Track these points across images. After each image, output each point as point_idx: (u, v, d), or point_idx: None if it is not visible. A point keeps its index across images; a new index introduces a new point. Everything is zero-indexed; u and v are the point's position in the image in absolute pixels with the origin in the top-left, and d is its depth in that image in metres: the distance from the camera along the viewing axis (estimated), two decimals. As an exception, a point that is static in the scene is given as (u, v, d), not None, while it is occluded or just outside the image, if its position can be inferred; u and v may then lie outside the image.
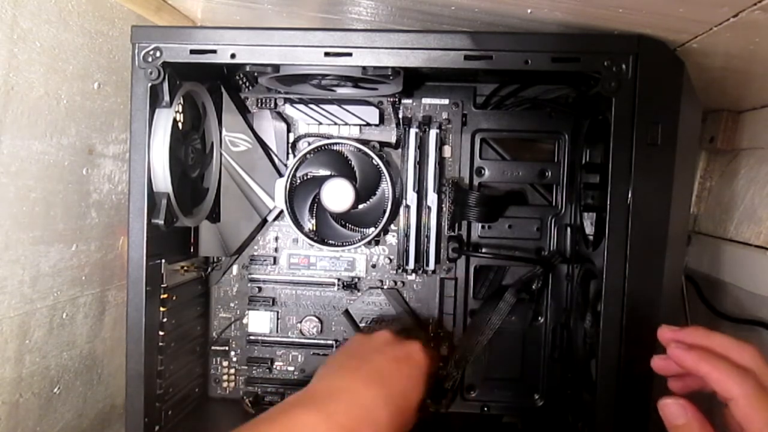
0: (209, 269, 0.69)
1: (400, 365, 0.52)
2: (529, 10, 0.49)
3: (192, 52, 0.52)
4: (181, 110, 0.59)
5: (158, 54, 0.52)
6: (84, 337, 0.59)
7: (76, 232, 0.56)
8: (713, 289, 0.70)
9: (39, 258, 0.51)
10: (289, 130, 0.66)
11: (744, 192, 0.68)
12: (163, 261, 0.57)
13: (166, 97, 0.53)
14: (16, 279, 0.49)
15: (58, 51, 0.49)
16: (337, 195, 0.62)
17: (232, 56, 0.52)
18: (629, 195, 0.49)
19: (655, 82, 0.50)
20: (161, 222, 0.53)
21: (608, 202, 0.50)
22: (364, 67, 0.53)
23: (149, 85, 0.52)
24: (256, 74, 0.60)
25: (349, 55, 0.51)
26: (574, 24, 0.51)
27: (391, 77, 0.54)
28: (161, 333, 0.57)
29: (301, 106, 0.65)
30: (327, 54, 0.51)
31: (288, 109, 0.66)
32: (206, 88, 0.61)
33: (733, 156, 0.72)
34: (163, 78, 0.52)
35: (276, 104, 0.66)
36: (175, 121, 0.55)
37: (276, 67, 0.54)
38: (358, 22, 0.60)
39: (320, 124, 0.66)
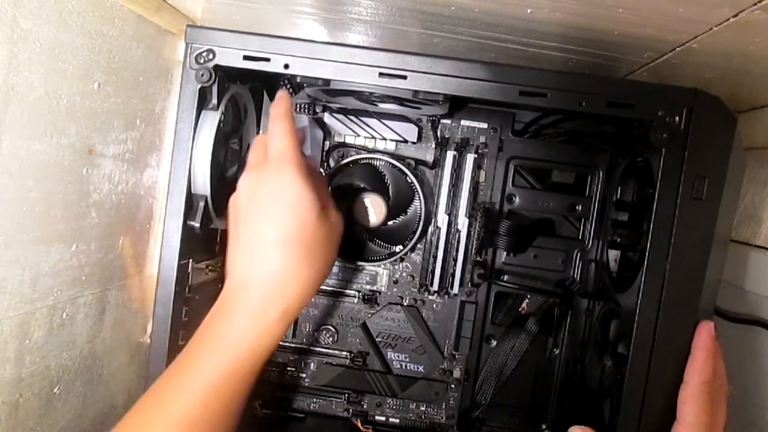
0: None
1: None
2: (529, 10, 0.48)
3: (245, 58, 0.51)
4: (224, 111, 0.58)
5: (211, 56, 0.51)
6: (84, 337, 0.58)
7: (76, 232, 0.54)
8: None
9: (39, 258, 0.50)
10: (325, 138, 0.66)
11: (744, 192, 0.67)
12: (191, 260, 0.57)
13: (214, 100, 0.53)
14: (16, 279, 0.48)
15: (58, 51, 0.48)
16: (370, 209, 0.62)
17: (286, 66, 0.51)
18: (669, 247, 0.50)
19: (707, 136, 0.50)
20: (197, 225, 0.53)
21: (648, 251, 0.50)
22: (415, 91, 0.53)
23: (199, 86, 0.51)
24: (304, 84, 0.60)
25: (404, 78, 0.51)
26: (574, 24, 0.50)
27: (440, 101, 0.54)
28: (182, 332, 0.57)
29: (340, 116, 0.64)
30: (381, 74, 0.51)
31: (327, 118, 0.65)
32: (248, 88, 0.60)
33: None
34: (214, 81, 0.51)
35: (315, 111, 0.65)
36: (218, 123, 0.54)
37: (327, 81, 0.54)
38: (358, 22, 0.58)
39: (357, 135, 0.65)
